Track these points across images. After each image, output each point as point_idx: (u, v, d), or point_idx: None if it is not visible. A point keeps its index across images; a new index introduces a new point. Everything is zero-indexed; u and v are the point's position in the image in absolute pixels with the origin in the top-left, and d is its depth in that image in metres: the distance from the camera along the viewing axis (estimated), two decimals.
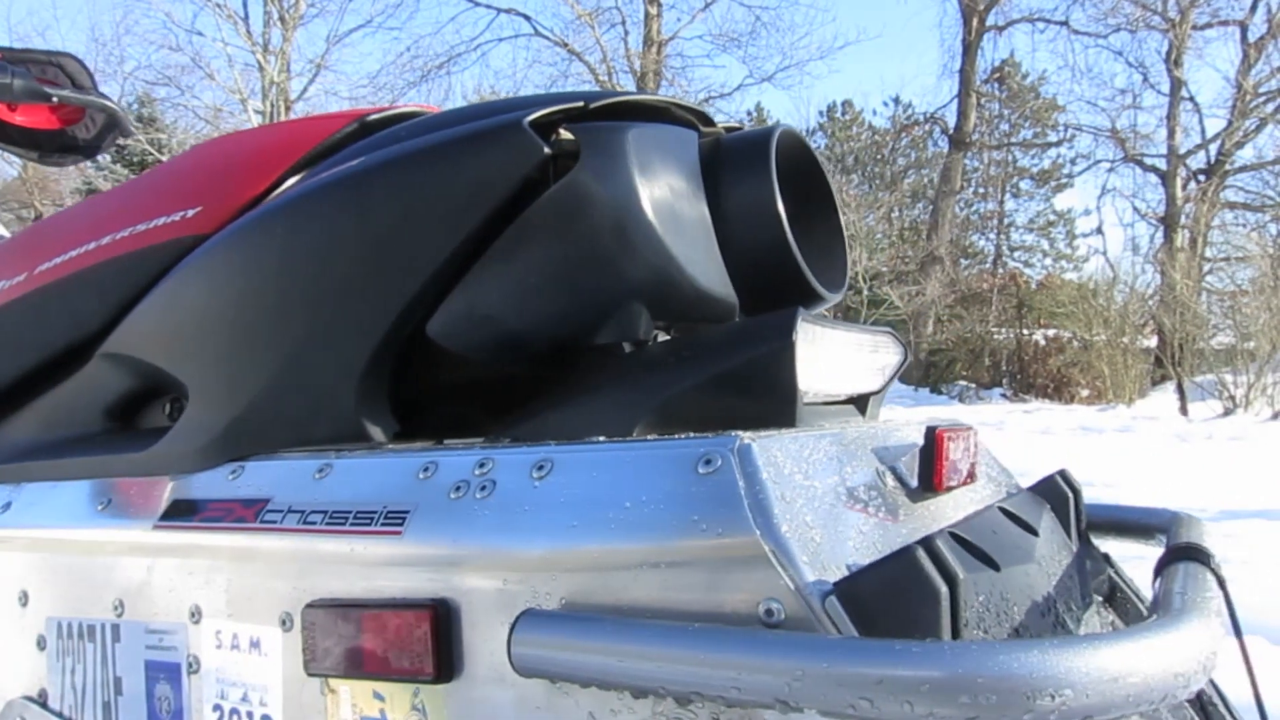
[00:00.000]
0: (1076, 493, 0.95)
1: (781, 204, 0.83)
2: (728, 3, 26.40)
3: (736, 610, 0.51)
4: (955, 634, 0.50)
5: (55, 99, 1.61)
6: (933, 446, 0.69)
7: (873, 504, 0.63)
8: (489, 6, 26.51)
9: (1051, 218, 32.42)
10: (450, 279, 0.78)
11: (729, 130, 0.95)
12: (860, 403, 0.91)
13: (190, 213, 0.99)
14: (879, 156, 34.07)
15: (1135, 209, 27.24)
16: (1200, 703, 0.69)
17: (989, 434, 12.72)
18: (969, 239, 32.91)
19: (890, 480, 0.68)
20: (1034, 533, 0.81)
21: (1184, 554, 0.67)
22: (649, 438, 0.64)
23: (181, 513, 0.81)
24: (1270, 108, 23.55)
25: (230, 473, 0.81)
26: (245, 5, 22.24)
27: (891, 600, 0.48)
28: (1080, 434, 12.63)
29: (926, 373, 26.88)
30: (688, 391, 0.72)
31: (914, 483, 0.70)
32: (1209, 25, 24.42)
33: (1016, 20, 27.24)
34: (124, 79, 23.67)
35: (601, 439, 0.65)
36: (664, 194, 0.77)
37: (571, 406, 0.76)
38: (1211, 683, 0.96)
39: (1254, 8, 23.61)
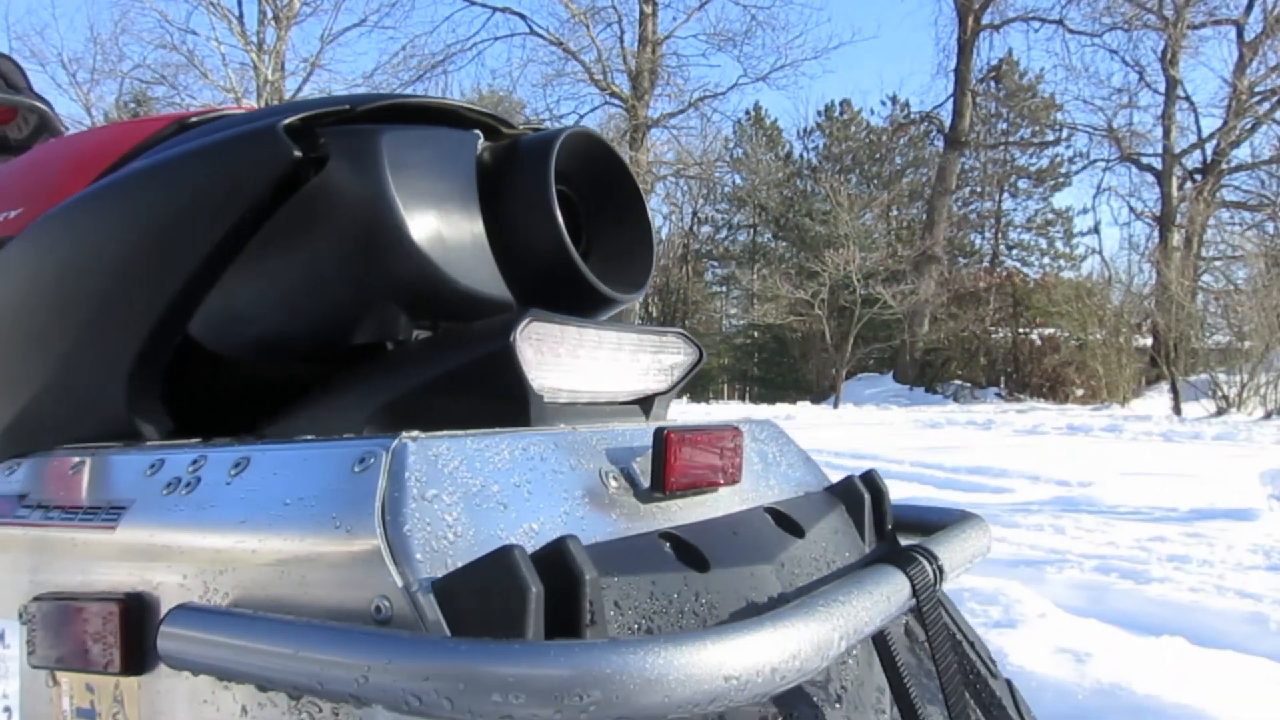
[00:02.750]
0: (878, 494, 0.95)
1: (557, 206, 0.83)
2: (723, 1, 26.40)
3: (356, 607, 0.52)
4: (573, 632, 0.50)
5: None
6: (661, 448, 0.70)
7: (576, 504, 0.64)
8: (484, 5, 26.57)
9: (1049, 217, 32.39)
10: (209, 280, 0.79)
11: (534, 131, 0.96)
12: (647, 403, 0.92)
13: (12, 214, 1.00)
14: (876, 156, 34.04)
15: (1130, 208, 27.22)
16: (907, 701, 0.69)
17: (974, 433, 12.70)
18: (966, 238, 32.86)
19: (615, 481, 0.69)
20: (799, 534, 0.81)
21: (887, 556, 0.68)
22: (339, 437, 0.65)
23: None
24: (1265, 107, 23.49)
25: (7, 470, 0.82)
26: (240, 4, 22.30)
27: (480, 598, 0.48)
28: (1067, 433, 12.61)
29: (922, 372, 26.83)
30: (414, 391, 0.73)
31: (645, 484, 0.71)
32: (1204, 24, 24.36)
33: (1012, 19, 27.22)
34: (121, 79, 23.77)
35: (310, 438, 0.66)
36: (421, 195, 0.78)
37: (316, 406, 0.77)
38: (1008, 684, 0.96)
39: (1250, 7, 23.55)
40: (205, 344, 0.80)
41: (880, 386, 26.76)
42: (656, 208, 34.53)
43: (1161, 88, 24.74)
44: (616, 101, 27.39)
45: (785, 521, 0.82)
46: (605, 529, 0.65)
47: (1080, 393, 23.34)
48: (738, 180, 35.06)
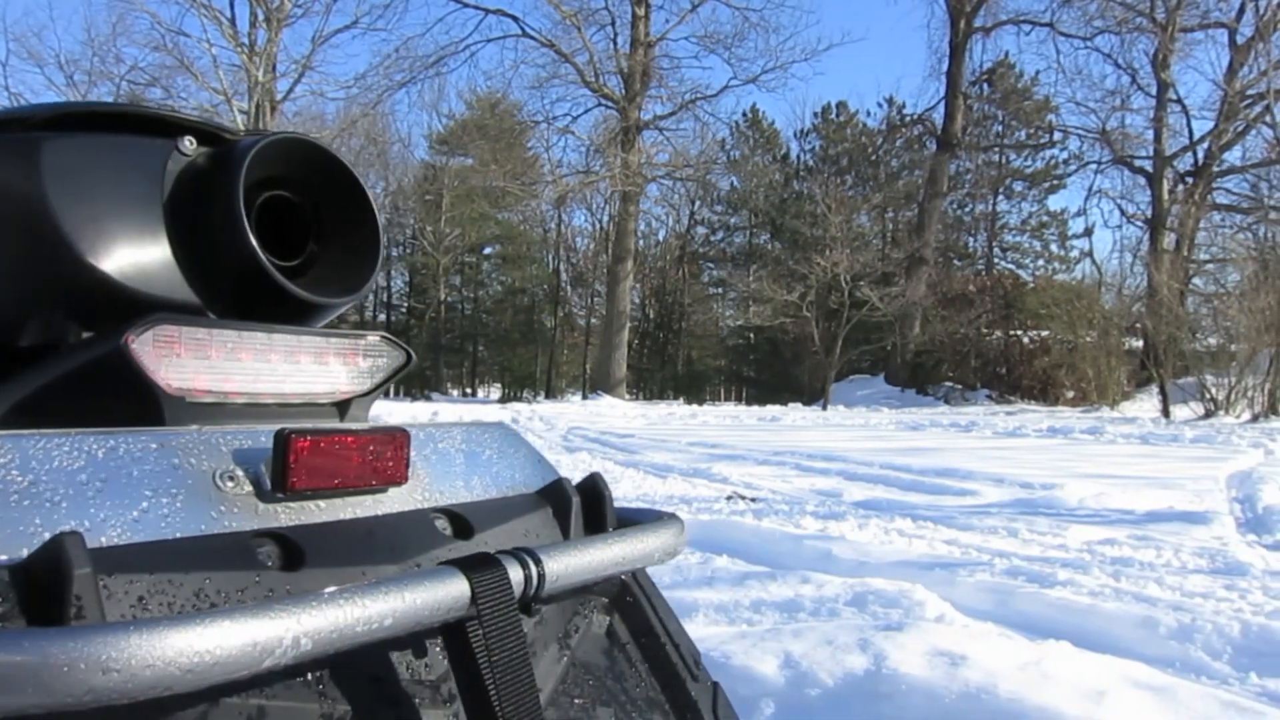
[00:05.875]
0: (597, 496, 0.95)
1: (244, 213, 0.84)
2: (714, 4, 26.41)
3: None
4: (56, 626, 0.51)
5: None
6: (282, 450, 0.70)
7: (161, 503, 0.64)
8: (477, 7, 26.56)
9: (1044, 219, 32.36)
10: None
11: (251, 137, 0.96)
12: (346, 405, 0.92)
13: None
14: (872, 158, 34.01)
15: (1121, 211, 27.21)
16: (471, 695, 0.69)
17: (954, 436, 12.70)
18: (961, 240, 32.82)
19: (231, 482, 0.70)
20: (466, 535, 0.82)
21: (463, 560, 0.68)
22: None
23: None
24: (1257, 110, 23.45)
25: None
26: (232, 6, 22.33)
27: None
28: (1047, 436, 12.60)
29: (913, 374, 26.78)
30: (42, 390, 0.74)
31: (268, 484, 0.72)
32: (1196, 28, 24.34)
33: (1003, 22, 27.18)
34: (118, 81, 23.85)
35: None
36: (86, 202, 0.79)
37: None
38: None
39: (1241, 11, 23.54)
40: None
41: (872, 388, 26.74)
42: (649, 209, 34.63)
43: (1153, 91, 24.74)
44: (609, 103, 27.40)
45: (458, 523, 0.83)
46: (192, 527, 0.65)
47: (1071, 395, 23.32)
48: (735, 182, 35.07)
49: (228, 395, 0.81)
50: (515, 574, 0.69)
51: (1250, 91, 23.39)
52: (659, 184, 30.79)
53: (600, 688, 0.88)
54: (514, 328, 37.07)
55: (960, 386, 25.52)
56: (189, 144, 0.90)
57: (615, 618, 0.95)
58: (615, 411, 19.30)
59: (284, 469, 0.71)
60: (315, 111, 26.06)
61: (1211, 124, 24.02)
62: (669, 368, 36.22)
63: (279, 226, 0.90)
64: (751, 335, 35.19)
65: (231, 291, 0.87)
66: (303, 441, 0.71)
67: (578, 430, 13.37)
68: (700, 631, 2.65)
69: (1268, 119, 22.59)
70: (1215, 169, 24.21)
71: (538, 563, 0.71)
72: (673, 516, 0.96)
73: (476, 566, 0.66)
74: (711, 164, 30.91)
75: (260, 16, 22.12)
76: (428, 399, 27.69)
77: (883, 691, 2.14)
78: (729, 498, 6.78)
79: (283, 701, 0.62)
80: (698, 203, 36.58)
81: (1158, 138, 24.42)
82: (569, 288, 38.55)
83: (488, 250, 38.32)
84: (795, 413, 19.78)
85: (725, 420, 16.76)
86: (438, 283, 35.40)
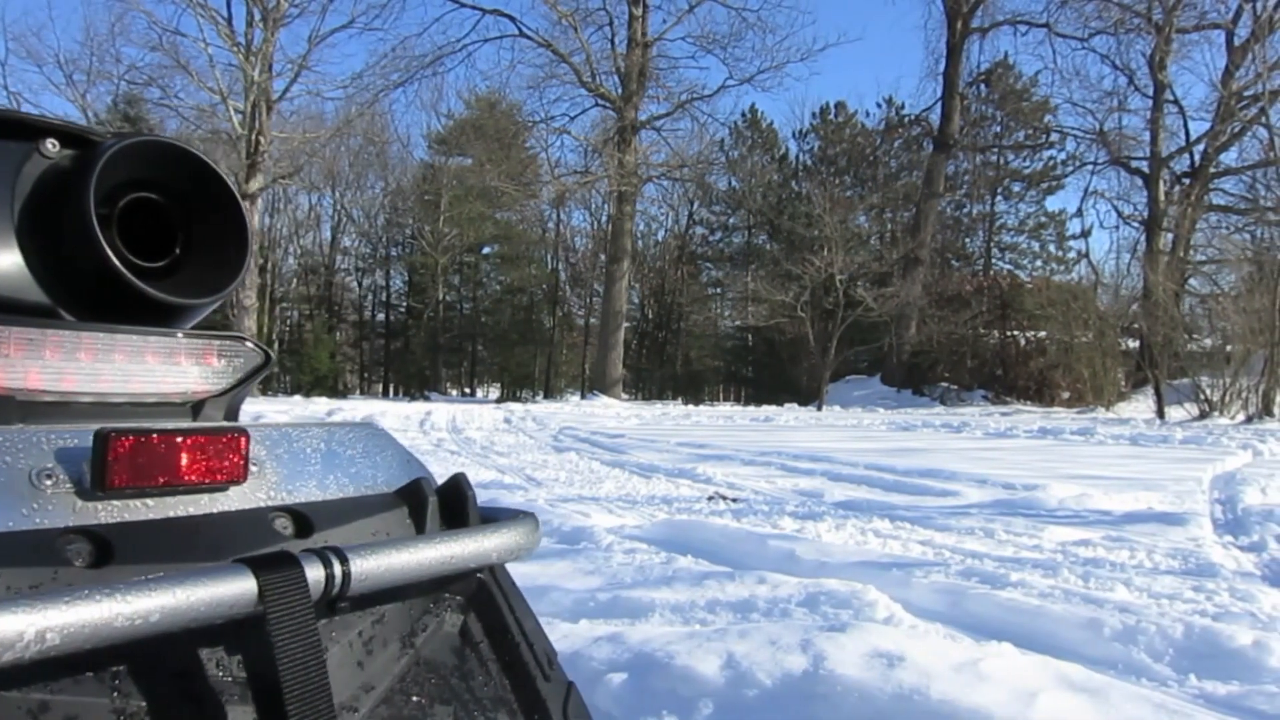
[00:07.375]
0: (459, 496, 0.96)
1: (94, 217, 0.85)
2: (711, 4, 26.43)
3: None
4: None
5: None
6: (101, 449, 0.71)
7: None
8: (474, 7, 26.57)
9: (1041, 220, 32.32)
10: None
11: (112, 139, 0.97)
12: (200, 405, 0.93)
13: None
14: (870, 159, 33.98)
15: (1118, 212, 27.20)
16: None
17: (944, 436, 12.69)
18: (959, 241, 32.79)
19: (50, 480, 0.70)
20: (306, 533, 0.82)
21: (258, 558, 0.68)
22: None
23: None
24: (1253, 111, 23.43)
25: None
26: (228, 5, 22.32)
27: None
28: (1037, 437, 12.58)
29: (909, 374, 26.75)
30: None
31: (89, 483, 0.72)
32: (1193, 29, 24.32)
33: (1000, 22, 27.16)
34: (117, 80, 23.84)
35: None
36: None
37: None
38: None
39: (1238, 13, 23.51)
40: None
41: (868, 389, 26.72)
42: (647, 209, 34.63)
43: (1150, 92, 24.72)
44: (606, 103, 27.40)
45: (300, 522, 0.83)
46: (9, 523, 0.66)
47: (1067, 396, 23.29)
48: (733, 183, 35.05)
49: (67, 395, 0.82)
50: (315, 573, 0.69)
51: (1247, 93, 23.38)
52: (657, 184, 30.84)
53: (445, 686, 0.89)
54: (512, 327, 37.05)
55: (956, 387, 25.50)
56: (51, 146, 0.91)
57: (470, 616, 0.96)
58: (609, 411, 19.30)
59: (103, 467, 0.72)
60: (312, 111, 26.09)
61: (1208, 125, 24.06)
62: (667, 368, 36.18)
63: (147, 229, 0.91)
64: (749, 336, 35.16)
65: (89, 294, 0.88)
66: (123, 440, 0.72)
67: (569, 430, 13.37)
68: (651, 631, 2.65)
69: (1264, 120, 22.57)
70: (1211, 170, 24.20)
71: (344, 561, 0.71)
72: (529, 516, 0.97)
73: (268, 564, 0.67)
74: (709, 164, 30.92)
75: (257, 16, 22.10)
76: (425, 399, 27.69)
77: (819, 692, 2.15)
78: (710, 498, 6.78)
79: (70, 696, 0.63)
80: (696, 203, 36.57)
81: (1154, 139, 24.41)
82: (567, 288, 38.54)
83: (486, 250, 38.30)
84: (789, 413, 19.77)
85: (718, 421, 16.75)
86: (436, 282, 35.40)
